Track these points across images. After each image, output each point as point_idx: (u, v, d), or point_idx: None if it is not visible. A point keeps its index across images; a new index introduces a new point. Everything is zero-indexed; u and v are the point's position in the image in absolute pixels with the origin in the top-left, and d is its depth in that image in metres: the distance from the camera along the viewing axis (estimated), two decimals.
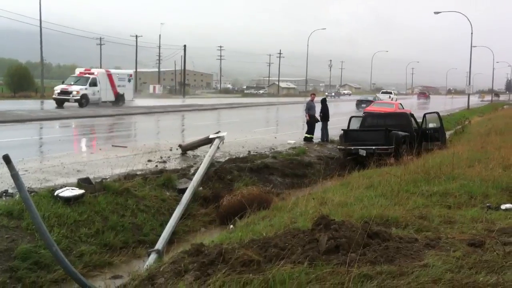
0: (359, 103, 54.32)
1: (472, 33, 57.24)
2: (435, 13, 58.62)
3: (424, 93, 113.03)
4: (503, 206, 7.84)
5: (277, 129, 28.61)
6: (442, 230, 6.67)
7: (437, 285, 4.64)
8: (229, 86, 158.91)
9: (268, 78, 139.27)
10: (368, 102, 50.66)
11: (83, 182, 9.91)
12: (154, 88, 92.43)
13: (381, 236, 6.05)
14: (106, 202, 9.52)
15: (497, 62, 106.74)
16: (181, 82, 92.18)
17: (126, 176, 11.53)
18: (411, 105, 54.42)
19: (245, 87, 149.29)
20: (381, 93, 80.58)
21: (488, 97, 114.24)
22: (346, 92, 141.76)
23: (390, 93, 78.15)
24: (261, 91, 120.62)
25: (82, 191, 9.33)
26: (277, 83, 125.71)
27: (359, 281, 4.68)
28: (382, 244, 5.85)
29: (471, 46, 58.74)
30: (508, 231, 6.68)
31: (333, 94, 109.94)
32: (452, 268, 5.00)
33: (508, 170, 10.77)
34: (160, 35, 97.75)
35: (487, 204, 8.02)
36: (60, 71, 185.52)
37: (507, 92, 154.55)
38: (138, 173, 12.09)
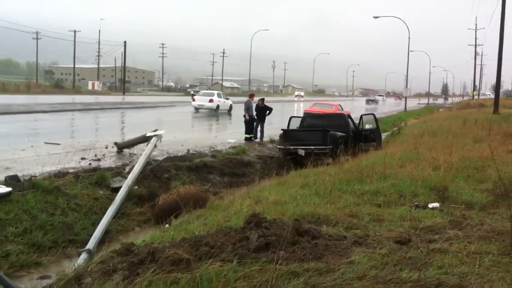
0: (367, 101, 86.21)
1: (409, 38, 59.07)
2: (374, 17, 60.10)
3: (399, 96, 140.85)
4: (430, 205, 8.09)
5: (218, 128, 28.55)
6: (370, 228, 6.82)
7: (361, 281, 4.73)
8: (172, 84, 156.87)
9: (211, 77, 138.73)
10: (373, 101, 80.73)
11: (11, 180, 9.50)
12: (93, 84, 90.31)
13: (311, 234, 6.13)
14: (35, 201, 9.18)
15: (433, 67, 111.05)
16: (122, 79, 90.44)
17: (57, 174, 11.16)
18: (390, 104, 74.39)
19: (188, 85, 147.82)
20: (378, 95, 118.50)
21: (440, 100, 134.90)
22: (297, 93, 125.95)
23: (383, 95, 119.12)
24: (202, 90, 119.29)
25: (9, 189, 8.96)
26: (220, 82, 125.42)
27: (286, 278, 4.72)
28: (311, 241, 5.93)
29: (409, 51, 60.66)
30: (434, 229, 6.92)
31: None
32: (377, 265, 5.11)
33: (437, 170, 11.15)
34: (99, 31, 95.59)
35: (416, 203, 8.27)
36: None
37: (443, 95, 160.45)
38: (71, 171, 11.72)
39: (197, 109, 39.96)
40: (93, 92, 76.44)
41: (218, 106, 40.17)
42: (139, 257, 5.63)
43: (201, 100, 40.50)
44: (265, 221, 6.27)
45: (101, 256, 6.22)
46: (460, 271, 5.02)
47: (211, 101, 39.89)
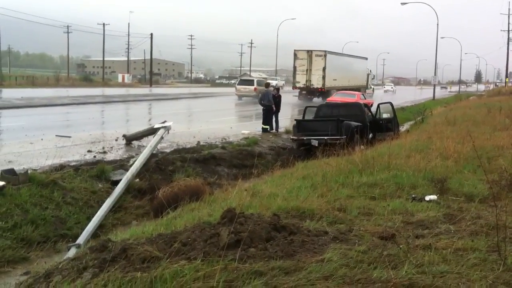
0: (441, 87, 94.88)
1: (438, 24, 57.64)
2: (401, 4, 58.84)
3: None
4: (427, 198, 7.71)
5: (236, 119, 28.27)
6: (357, 222, 6.50)
7: (327, 281, 4.45)
8: (202, 76, 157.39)
9: (240, 68, 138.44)
10: (445, 88, 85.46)
11: (7, 173, 9.47)
12: (123, 77, 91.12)
13: (289, 230, 5.85)
14: (29, 195, 9.10)
15: (465, 54, 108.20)
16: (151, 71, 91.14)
17: (58, 167, 11.08)
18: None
19: (217, 77, 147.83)
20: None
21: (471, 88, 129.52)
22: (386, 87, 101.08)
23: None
24: (232, 81, 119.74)
25: (2, 182, 8.92)
26: (249, 73, 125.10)
27: (248, 278, 4.47)
28: (288, 237, 5.65)
29: (437, 37, 59.16)
30: (425, 223, 6.56)
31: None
32: (349, 263, 4.82)
33: (446, 161, 10.69)
34: (129, 24, 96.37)
35: (413, 195, 7.89)
36: (29, 59, 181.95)
37: (476, 82, 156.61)
38: (73, 164, 11.65)
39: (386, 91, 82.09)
40: (122, 85, 77.06)
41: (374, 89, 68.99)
42: (112, 254, 5.46)
43: (388, 88, 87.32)
44: (242, 216, 6.01)
45: (76, 253, 6.08)
46: (439, 270, 4.70)
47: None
